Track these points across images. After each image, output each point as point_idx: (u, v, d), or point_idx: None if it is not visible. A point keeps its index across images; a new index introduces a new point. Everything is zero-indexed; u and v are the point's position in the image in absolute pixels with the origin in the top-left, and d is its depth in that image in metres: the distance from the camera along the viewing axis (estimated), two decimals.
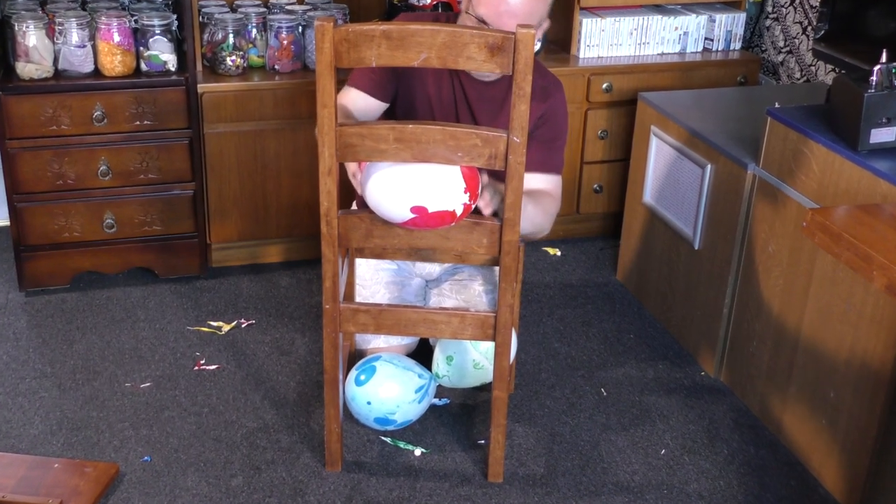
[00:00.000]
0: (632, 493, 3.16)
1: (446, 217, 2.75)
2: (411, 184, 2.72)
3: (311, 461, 3.21)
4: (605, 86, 4.32)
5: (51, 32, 3.82)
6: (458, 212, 2.75)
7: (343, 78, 3.26)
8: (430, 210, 2.72)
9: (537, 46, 4.32)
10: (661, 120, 3.89)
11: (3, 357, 3.66)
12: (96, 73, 3.88)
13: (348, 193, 3.50)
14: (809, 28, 4.35)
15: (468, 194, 2.73)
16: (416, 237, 2.86)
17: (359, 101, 3.19)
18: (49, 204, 3.91)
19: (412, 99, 3.26)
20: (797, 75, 4.45)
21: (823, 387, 3.16)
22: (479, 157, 2.67)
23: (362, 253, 3.33)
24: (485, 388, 3.53)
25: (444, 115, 3.26)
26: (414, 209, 2.72)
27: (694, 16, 4.51)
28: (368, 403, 3.21)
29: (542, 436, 3.38)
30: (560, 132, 3.30)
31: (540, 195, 3.19)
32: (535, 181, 3.19)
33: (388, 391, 3.21)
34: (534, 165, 3.12)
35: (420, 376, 3.27)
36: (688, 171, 3.73)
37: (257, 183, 4.12)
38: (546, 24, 3.12)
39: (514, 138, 2.64)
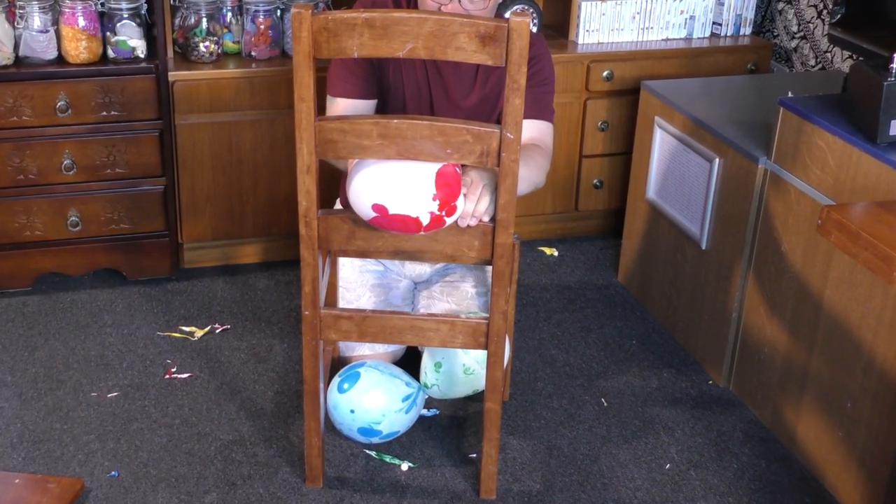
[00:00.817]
0: None
1: (409, 222, 2.73)
2: (376, 180, 2.72)
3: (290, 476, 3.21)
4: (605, 73, 4.32)
5: (11, 16, 3.80)
6: (424, 220, 2.73)
7: (323, 65, 3.26)
8: (391, 211, 2.71)
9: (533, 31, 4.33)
10: (666, 110, 3.89)
11: None
12: (60, 60, 3.86)
13: (329, 192, 3.50)
14: (825, 12, 4.35)
15: (437, 203, 2.71)
16: (402, 240, 2.85)
17: (350, 111, 3.19)
18: (9, 200, 3.90)
19: (385, 80, 3.26)
20: (811, 62, 4.45)
21: (840, 397, 3.16)
22: (470, 154, 2.66)
23: (346, 253, 3.33)
24: (477, 399, 3.52)
25: (416, 99, 3.26)
26: (375, 207, 2.72)
27: None
28: (352, 412, 3.21)
29: (538, 449, 3.37)
30: (549, 77, 3.34)
31: (532, 151, 3.19)
32: (527, 127, 3.20)
33: (372, 399, 3.20)
34: (525, 111, 3.14)
35: (408, 384, 3.26)
36: (694, 165, 3.73)
37: (232, 178, 4.11)
38: None
39: (508, 134, 2.62)
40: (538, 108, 3.26)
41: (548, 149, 3.27)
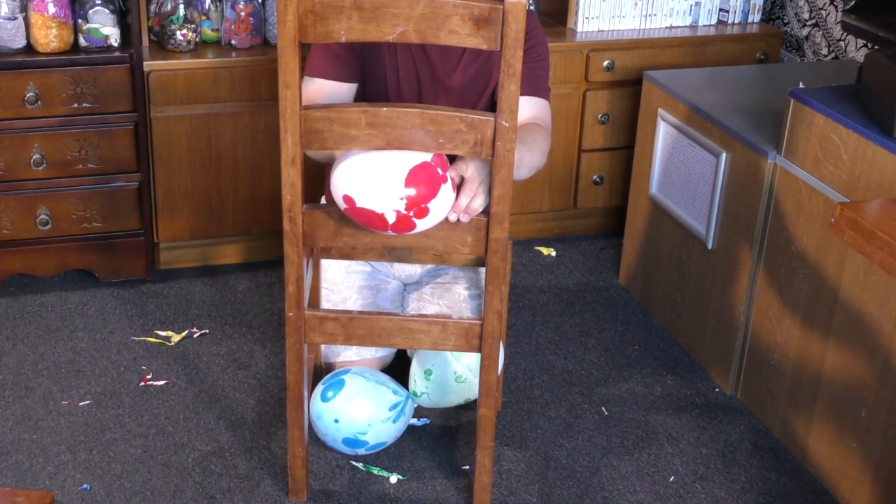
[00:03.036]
0: None
1: (374, 218, 2.73)
2: (349, 170, 2.74)
3: (272, 489, 3.20)
4: (606, 63, 4.32)
5: None
6: (389, 218, 2.72)
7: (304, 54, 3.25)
8: (358, 204, 2.73)
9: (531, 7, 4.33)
10: (670, 102, 3.89)
11: None
12: (29, 48, 3.85)
13: (315, 186, 3.49)
14: None
15: (404, 202, 2.70)
16: (391, 236, 2.84)
17: (326, 92, 3.18)
18: None
19: (368, 64, 3.25)
20: (824, 51, 4.46)
21: (854, 405, 3.16)
22: (464, 143, 2.66)
23: (329, 253, 3.32)
24: (469, 407, 3.52)
25: (400, 82, 3.26)
26: (345, 198, 2.74)
27: None
28: (336, 422, 3.20)
29: (535, 460, 3.37)
30: (545, 54, 3.34)
31: (533, 131, 3.18)
32: (525, 105, 3.20)
33: (358, 408, 3.19)
34: (521, 87, 3.13)
35: (395, 392, 3.25)
36: (700, 159, 3.73)
37: (211, 174, 4.10)
38: None
39: (503, 122, 2.62)
40: (535, 84, 3.25)
41: (548, 128, 3.26)
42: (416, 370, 3.37)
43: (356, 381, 3.23)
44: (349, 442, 3.23)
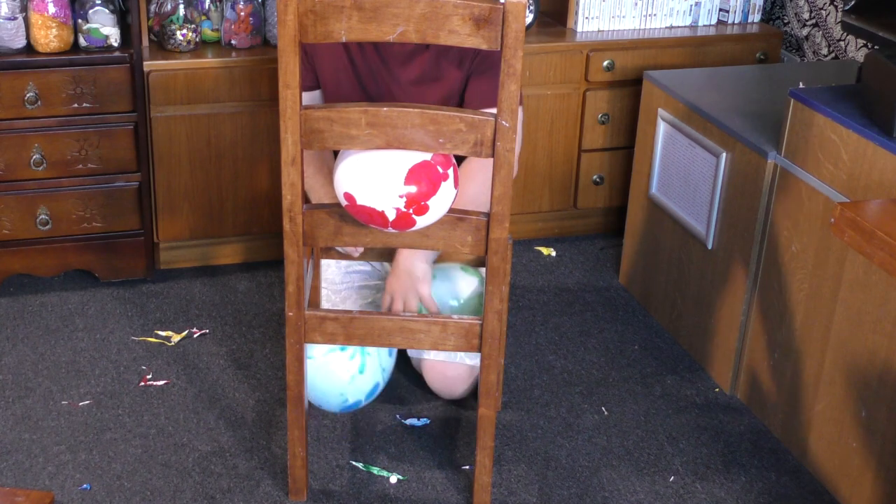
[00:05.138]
0: None
1: (374, 215, 2.75)
2: (350, 168, 2.75)
3: (272, 489, 3.20)
4: (606, 63, 4.32)
5: None
6: (389, 215, 2.74)
7: None
8: (358, 202, 2.75)
9: (529, 18, 4.33)
10: (670, 102, 3.89)
11: None
12: (29, 48, 3.85)
13: None
14: None
15: (404, 199, 2.72)
16: (391, 235, 2.85)
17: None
18: None
19: (325, 82, 3.29)
20: (824, 51, 4.45)
21: (854, 405, 3.16)
22: (464, 143, 2.66)
23: (329, 254, 3.32)
24: (469, 407, 3.52)
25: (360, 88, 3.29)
26: (346, 195, 2.76)
27: None
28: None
29: (535, 460, 3.37)
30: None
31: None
32: None
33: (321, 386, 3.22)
34: (489, 100, 3.13)
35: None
36: (700, 159, 3.73)
37: (211, 174, 4.10)
38: None
39: (503, 122, 2.63)
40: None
41: (520, 136, 3.23)
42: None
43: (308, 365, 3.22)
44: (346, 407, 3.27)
